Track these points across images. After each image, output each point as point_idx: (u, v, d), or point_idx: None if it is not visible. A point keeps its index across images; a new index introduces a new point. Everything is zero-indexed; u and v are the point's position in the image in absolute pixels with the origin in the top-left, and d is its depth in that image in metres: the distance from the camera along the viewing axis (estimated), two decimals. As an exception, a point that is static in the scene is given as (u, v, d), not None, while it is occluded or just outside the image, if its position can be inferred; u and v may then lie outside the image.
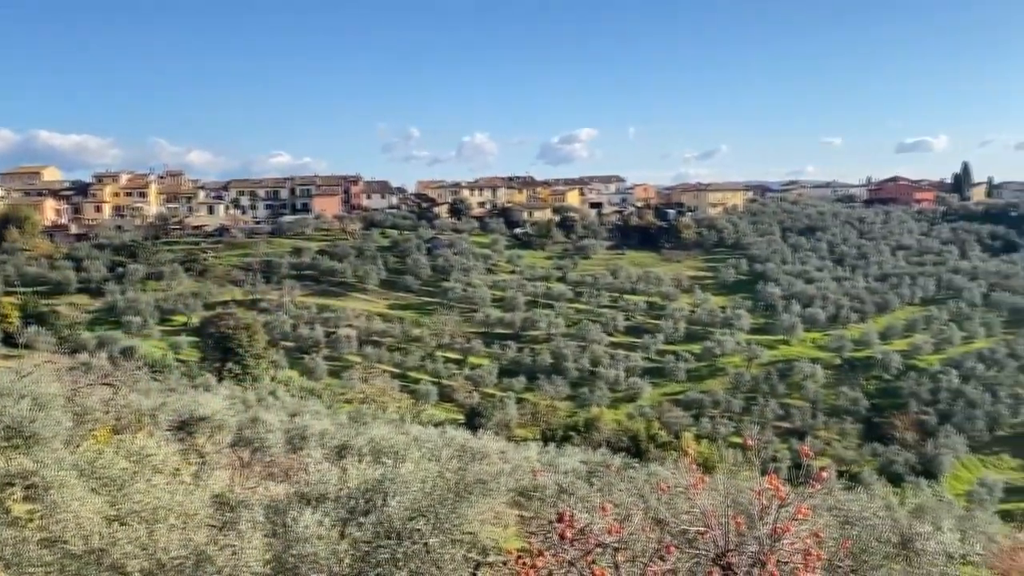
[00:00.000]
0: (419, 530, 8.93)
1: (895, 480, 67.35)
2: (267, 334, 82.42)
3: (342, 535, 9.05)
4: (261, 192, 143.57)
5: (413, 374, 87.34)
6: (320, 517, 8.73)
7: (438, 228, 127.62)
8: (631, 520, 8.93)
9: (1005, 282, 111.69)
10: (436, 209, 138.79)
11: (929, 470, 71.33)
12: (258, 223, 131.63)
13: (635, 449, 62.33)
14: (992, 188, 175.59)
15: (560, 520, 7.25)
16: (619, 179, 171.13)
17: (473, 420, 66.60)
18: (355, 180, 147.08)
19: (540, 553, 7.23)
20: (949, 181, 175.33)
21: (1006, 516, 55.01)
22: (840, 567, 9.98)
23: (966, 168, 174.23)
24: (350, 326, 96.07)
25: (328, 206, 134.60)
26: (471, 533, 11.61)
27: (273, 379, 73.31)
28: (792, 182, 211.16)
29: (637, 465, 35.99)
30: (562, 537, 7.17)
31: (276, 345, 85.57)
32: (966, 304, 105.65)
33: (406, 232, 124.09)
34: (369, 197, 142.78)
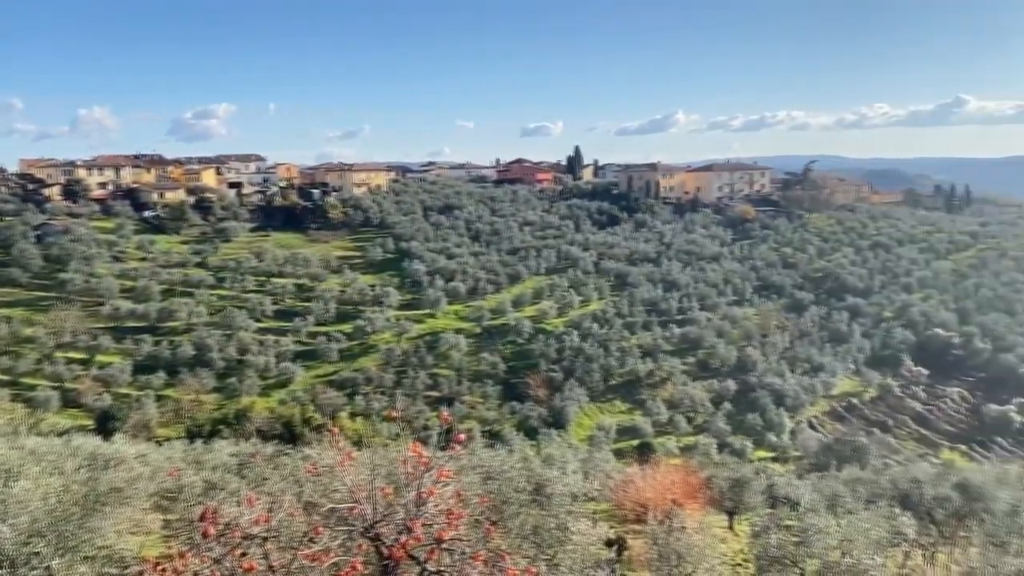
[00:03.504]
0: (38, 553, 8.00)
1: (531, 434, 74.58)
2: None
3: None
4: None
5: (27, 380, 76.66)
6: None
7: (50, 213, 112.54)
8: (281, 507, 8.87)
9: (610, 251, 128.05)
10: (46, 191, 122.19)
11: (558, 421, 79.90)
12: None
13: (290, 435, 61.35)
14: (598, 169, 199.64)
15: (203, 518, 6.99)
16: (259, 158, 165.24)
17: (106, 424, 60.49)
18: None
19: (182, 555, 6.90)
20: (564, 163, 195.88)
21: (619, 454, 63.86)
22: (481, 521, 10.83)
23: (577, 151, 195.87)
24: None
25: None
26: (106, 546, 10.69)
27: None
28: (431, 163, 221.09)
29: (292, 451, 35.60)
30: (205, 535, 6.92)
31: None
32: (581, 272, 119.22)
33: (8, 218, 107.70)
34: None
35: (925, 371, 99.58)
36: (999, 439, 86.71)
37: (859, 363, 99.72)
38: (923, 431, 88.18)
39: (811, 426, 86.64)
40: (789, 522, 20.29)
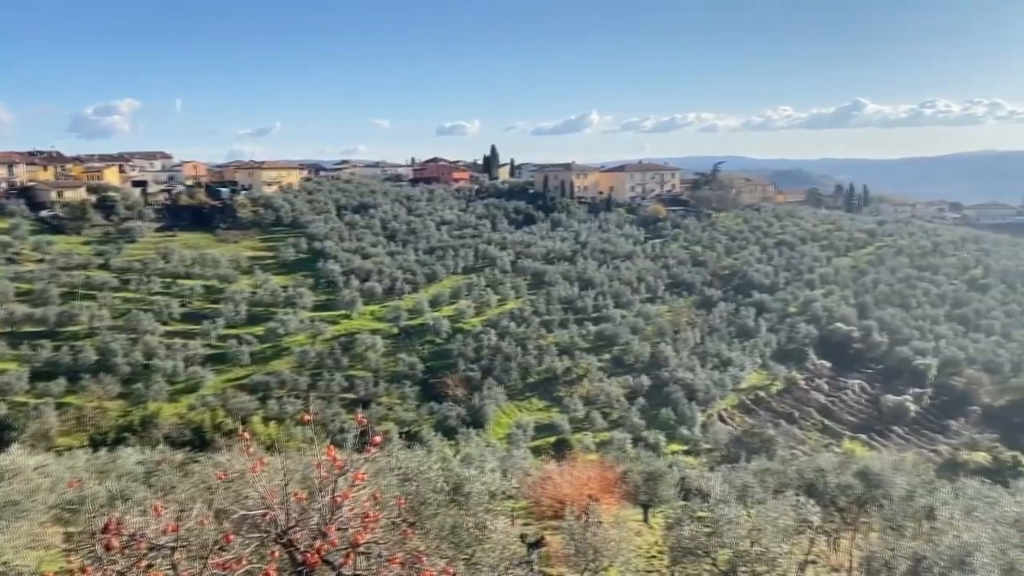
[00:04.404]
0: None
1: (449, 434, 74.42)
2: None
3: None
4: None
5: (-89, 391, 72.18)
6: None
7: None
8: (190, 516, 8.62)
9: (527, 250, 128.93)
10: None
11: (477, 420, 80.00)
12: None
13: (200, 441, 59.72)
14: (514, 169, 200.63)
15: (106, 530, 6.72)
16: (165, 156, 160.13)
17: (1, 435, 57.55)
18: None
19: (84, 569, 6.62)
20: (480, 162, 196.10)
21: (537, 451, 64.45)
22: (398, 523, 10.75)
23: (494, 150, 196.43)
24: None
25: None
26: (3, 563, 10.23)
27: None
28: (344, 161, 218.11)
29: (202, 457, 34.57)
30: (109, 548, 6.66)
31: None
32: (499, 271, 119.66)
33: None
34: None
35: (828, 364, 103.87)
36: (896, 427, 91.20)
37: (766, 357, 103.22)
38: (827, 421, 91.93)
39: (721, 419, 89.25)
40: (701, 514, 20.83)
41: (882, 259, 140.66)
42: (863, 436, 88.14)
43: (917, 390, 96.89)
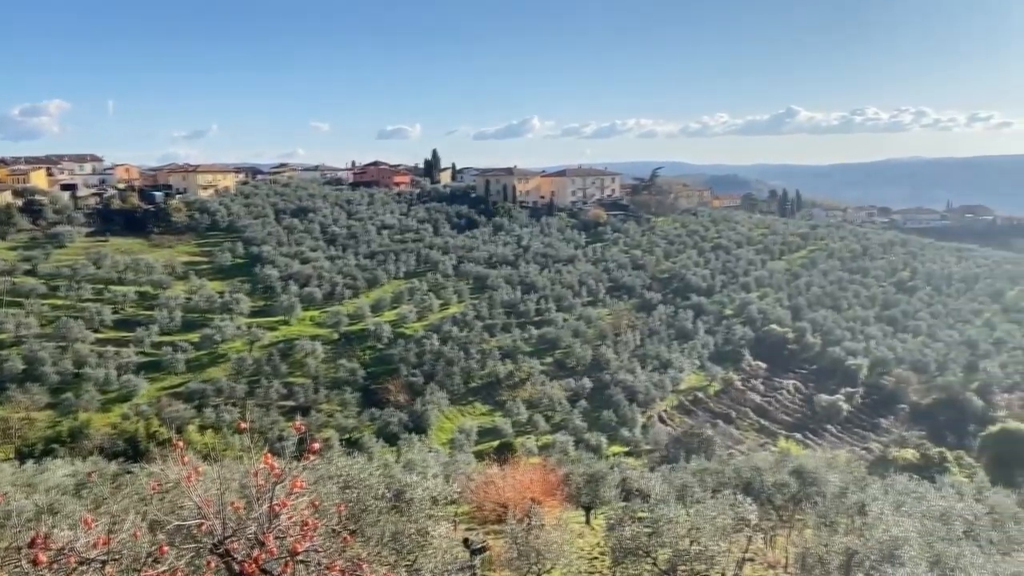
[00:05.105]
0: None
1: (391, 440, 73.84)
2: None
3: None
4: None
5: None
6: None
7: None
8: (122, 528, 8.40)
9: (470, 254, 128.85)
10: None
11: (419, 426, 79.51)
12: None
13: (134, 451, 58.33)
14: (456, 173, 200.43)
15: (32, 544, 6.51)
16: (96, 158, 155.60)
17: (-81, 449, 55.12)
18: None
19: (9, 586, 6.41)
20: (422, 166, 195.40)
21: (480, 456, 64.34)
22: (338, 530, 10.65)
23: (435, 154, 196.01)
24: None
25: None
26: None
27: None
28: (282, 164, 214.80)
29: (136, 468, 33.65)
30: (36, 563, 6.46)
31: None
32: (441, 275, 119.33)
33: None
34: None
35: (763, 365, 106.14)
36: (829, 426, 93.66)
37: (704, 359, 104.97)
38: (763, 421, 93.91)
39: (661, 420, 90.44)
40: (642, 514, 21.10)
41: (815, 262, 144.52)
42: (798, 435, 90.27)
43: (849, 389, 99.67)
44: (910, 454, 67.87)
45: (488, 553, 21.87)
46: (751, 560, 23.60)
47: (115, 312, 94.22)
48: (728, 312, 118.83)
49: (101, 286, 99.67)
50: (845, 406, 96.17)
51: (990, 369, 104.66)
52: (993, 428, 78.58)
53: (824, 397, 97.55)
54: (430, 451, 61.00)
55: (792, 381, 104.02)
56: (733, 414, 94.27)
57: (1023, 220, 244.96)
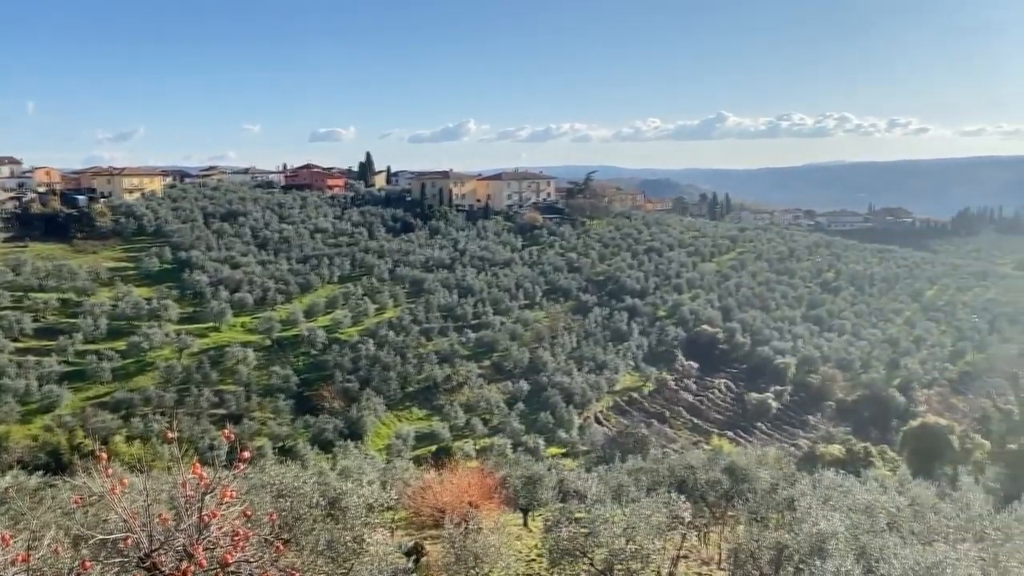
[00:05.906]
0: None
1: (326, 447, 72.77)
2: None
3: None
4: None
5: None
6: None
7: None
8: (42, 544, 8.10)
9: (405, 258, 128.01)
10: None
11: (355, 432, 78.57)
12: None
13: (56, 464, 56.30)
14: (391, 176, 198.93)
15: (-56, 564, 6.22)
16: (14, 161, 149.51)
17: None
18: None
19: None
20: (356, 169, 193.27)
21: (418, 461, 63.84)
22: (271, 540, 10.45)
23: (369, 157, 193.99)
24: None
25: None
26: None
27: None
28: (212, 167, 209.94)
29: (58, 481, 32.38)
30: (-52, 583, 6.18)
31: None
32: (377, 280, 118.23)
33: None
34: None
35: (695, 365, 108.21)
36: (759, 424, 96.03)
37: (638, 359, 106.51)
38: (696, 420, 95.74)
39: (597, 421, 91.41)
40: (579, 515, 21.25)
41: (744, 264, 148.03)
42: (729, 433, 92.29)
43: (778, 388, 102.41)
44: (836, 450, 69.96)
45: (425, 558, 21.75)
46: (685, 557, 24.00)
47: (36, 320, 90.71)
48: (661, 313, 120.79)
49: (20, 293, 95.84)
50: (774, 404, 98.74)
51: (911, 366, 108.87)
52: (914, 423, 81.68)
53: (754, 395, 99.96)
54: (366, 457, 60.27)
55: (723, 380, 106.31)
56: (667, 413, 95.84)
57: (940, 222, 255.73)
